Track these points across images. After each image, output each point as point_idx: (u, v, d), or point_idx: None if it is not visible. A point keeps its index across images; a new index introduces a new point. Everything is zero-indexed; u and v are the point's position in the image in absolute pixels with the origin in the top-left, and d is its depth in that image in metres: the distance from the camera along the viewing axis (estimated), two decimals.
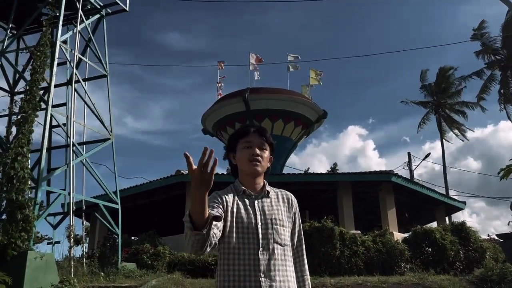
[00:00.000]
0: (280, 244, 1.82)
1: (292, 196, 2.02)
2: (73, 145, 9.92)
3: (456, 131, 30.96)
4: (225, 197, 1.85)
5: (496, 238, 12.53)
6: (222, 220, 1.75)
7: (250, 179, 1.93)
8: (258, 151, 1.91)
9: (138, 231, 16.60)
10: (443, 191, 25.58)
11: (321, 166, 79.52)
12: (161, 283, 7.69)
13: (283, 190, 2.03)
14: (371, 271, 10.67)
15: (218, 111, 18.81)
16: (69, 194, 9.51)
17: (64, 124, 10.77)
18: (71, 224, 9.21)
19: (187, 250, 1.60)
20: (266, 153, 1.95)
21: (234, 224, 1.80)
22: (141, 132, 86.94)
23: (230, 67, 33.31)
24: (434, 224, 17.91)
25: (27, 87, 8.52)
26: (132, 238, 16.91)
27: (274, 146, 2.03)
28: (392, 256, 11.50)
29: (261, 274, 1.72)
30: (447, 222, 18.19)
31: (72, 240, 9.16)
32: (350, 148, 76.04)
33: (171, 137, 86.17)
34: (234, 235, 1.78)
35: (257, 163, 1.90)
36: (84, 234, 11.08)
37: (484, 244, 12.76)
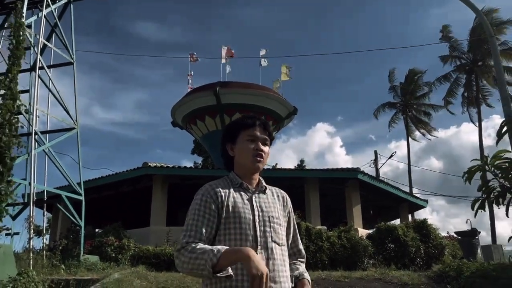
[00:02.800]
0: (278, 244, 1.73)
1: (286, 194, 1.94)
2: (35, 133, 9.58)
3: (422, 131, 32.04)
4: (219, 192, 1.74)
5: (455, 235, 13.03)
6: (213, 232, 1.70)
7: (248, 173, 1.83)
8: (262, 147, 1.83)
9: (103, 223, 16.27)
10: (407, 189, 26.34)
11: (289, 162, 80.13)
12: (124, 276, 7.56)
13: (276, 187, 1.95)
14: (336, 266, 10.86)
15: (188, 103, 18.60)
16: (29, 184, 9.19)
17: (27, 112, 10.38)
18: (31, 215, 8.91)
19: (180, 267, 1.59)
20: (267, 149, 1.86)
21: (232, 220, 1.69)
22: (109, 123, 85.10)
23: (204, 60, 32.96)
24: (397, 221, 18.40)
25: (9, 60, 8.13)
26: (97, 230, 16.55)
27: (273, 141, 1.94)
28: (356, 252, 11.74)
29: None
30: (410, 219, 18.74)
31: (31, 231, 8.87)
32: (318, 145, 77.00)
33: (140, 129, 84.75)
34: (232, 231, 1.68)
35: (261, 159, 1.81)
36: (45, 225, 10.76)
37: (443, 241, 13.23)
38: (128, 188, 15.74)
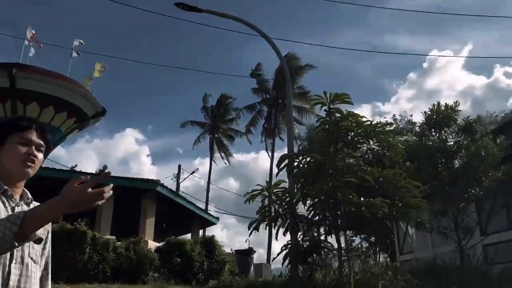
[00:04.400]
0: (34, 261, 1.61)
1: None
2: None
3: (222, 154, 34.56)
4: None
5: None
6: None
7: (13, 179, 1.63)
8: (36, 152, 1.66)
9: None
10: (203, 205, 27.62)
11: (90, 164, 75.24)
12: None
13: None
14: (119, 278, 10.53)
15: None
16: None
17: None
18: None
19: None
20: (41, 156, 1.69)
21: None
22: None
23: (4, 36, 28.44)
24: (189, 236, 19.04)
25: None
26: None
27: (50, 150, 1.77)
28: (142, 264, 11.63)
29: None
30: (202, 234, 19.66)
31: None
32: (125, 151, 74.69)
33: None
34: None
35: (32, 164, 1.64)
36: None
37: (226, 257, 14.27)
38: None
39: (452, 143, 8.69)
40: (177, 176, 27.28)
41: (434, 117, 8.76)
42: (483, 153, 7.94)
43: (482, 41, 66.72)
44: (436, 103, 8.93)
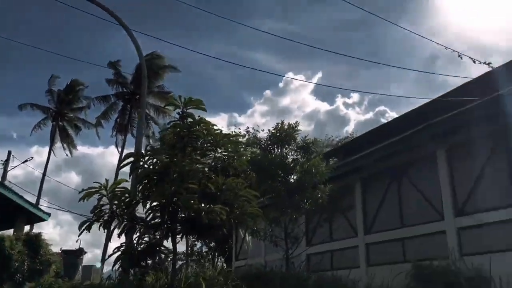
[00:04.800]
0: None
1: None
2: None
3: (65, 144, 31.69)
4: None
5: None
6: None
7: None
8: None
9: None
10: (34, 199, 24.80)
11: None
12: None
13: None
14: None
15: None
16: None
17: None
18: None
19: None
20: None
21: None
22: None
23: None
24: (11, 231, 16.85)
25: None
26: None
27: None
28: None
29: None
30: (28, 230, 17.61)
31: None
32: None
33: None
34: None
35: None
36: None
37: (53, 257, 13.01)
38: None
39: (291, 159, 9.48)
40: (5, 163, 24.08)
41: (278, 134, 9.46)
42: (313, 171, 8.84)
43: (330, 71, 75.03)
44: (280, 122, 9.66)
